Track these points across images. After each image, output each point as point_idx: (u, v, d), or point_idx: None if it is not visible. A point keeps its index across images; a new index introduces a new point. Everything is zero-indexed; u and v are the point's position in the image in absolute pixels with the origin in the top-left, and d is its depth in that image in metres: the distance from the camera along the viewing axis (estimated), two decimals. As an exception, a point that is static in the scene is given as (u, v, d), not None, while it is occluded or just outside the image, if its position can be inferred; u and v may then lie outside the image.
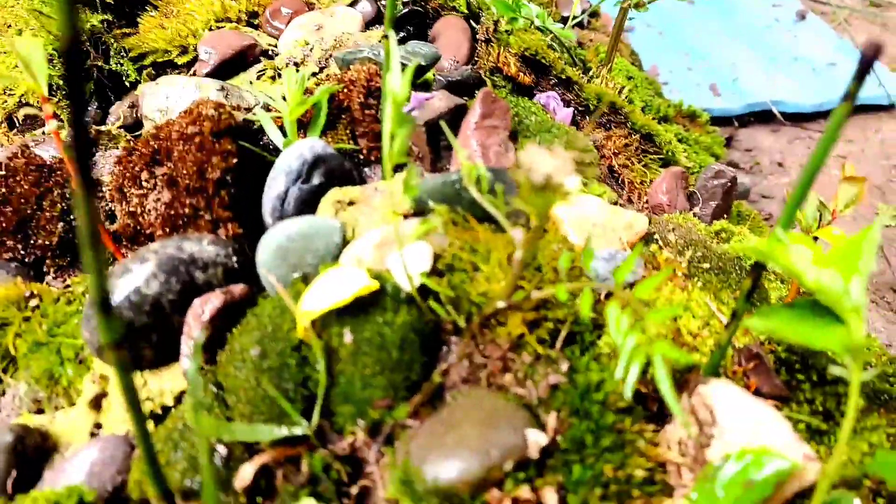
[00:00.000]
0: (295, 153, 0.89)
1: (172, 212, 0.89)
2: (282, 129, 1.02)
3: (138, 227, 0.95)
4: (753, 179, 1.94)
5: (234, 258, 0.83)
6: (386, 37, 0.85)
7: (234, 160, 0.89)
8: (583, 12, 1.68)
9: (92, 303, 0.39)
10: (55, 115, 1.24)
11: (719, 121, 2.20)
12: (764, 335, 0.76)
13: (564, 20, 1.72)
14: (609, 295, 0.85)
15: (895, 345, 1.46)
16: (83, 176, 0.31)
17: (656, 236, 0.97)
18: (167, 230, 0.89)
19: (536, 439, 0.60)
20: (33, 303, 0.90)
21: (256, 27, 1.39)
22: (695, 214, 1.12)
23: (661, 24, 2.71)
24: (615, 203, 1.05)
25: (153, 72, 1.34)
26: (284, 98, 0.99)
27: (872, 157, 2.09)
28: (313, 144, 0.90)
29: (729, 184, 1.14)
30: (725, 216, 1.19)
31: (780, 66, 2.48)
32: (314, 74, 1.20)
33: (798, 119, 2.29)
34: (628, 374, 0.52)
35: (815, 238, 0.88)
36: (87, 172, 0.31)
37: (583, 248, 0.76)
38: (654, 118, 1.47)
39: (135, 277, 0.76)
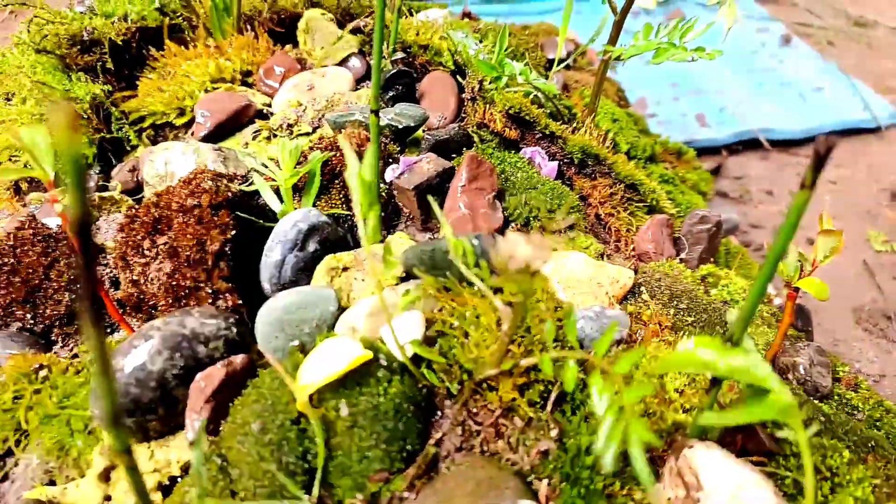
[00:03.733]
0: (290, 223, 0.93)
1: (174, 282, 0.93)
2: (277, 191, 1.06)
3: (141, 296, 0.99)
4: (743, 209, 1.97)
5: (235, 329, 0.86)
6: (374, 112, 0.89)
7: (233, 232, 0.93)
8: (568, 55, 1.73)
9: (102, 417, 0.42)
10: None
11: (708, 150, 2.24)
12: (721, 426, 0.77)
13: (550, 62, 1.77)
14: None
15: (889, 374, 1.48)
16: (99, 350, 0.34)
17: (642, 288, 1.00)
18: (170, 300, 0.93)
19: (527, 509, 0.63)
20: (43, 374, 0.93)
21: (250, 85, 1.44)
22: (681, 260, 1.15)
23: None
24: (602, 253, 1.09)
25: (152, 132, 1.39)
26: (278, 162, 1.03)
27: (861, 182, 2.12)
28: (307, 214, 0.94)
29: (714, 228, 1.18)
30: (712, 259, 1.22)
31: (767, 93, 2.53)
32: (307, 135, 1.24)
33: (786, 145, 2.33)
34: (607, 452, 0.55)
35: (797, 289, 0.91)
36: (104, 353, 0.34)
37: (565, 319, 0.79)
38: (641, 158, 1.50)
39: (140, 354, 0.79)
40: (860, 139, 2.37)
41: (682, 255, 1.16)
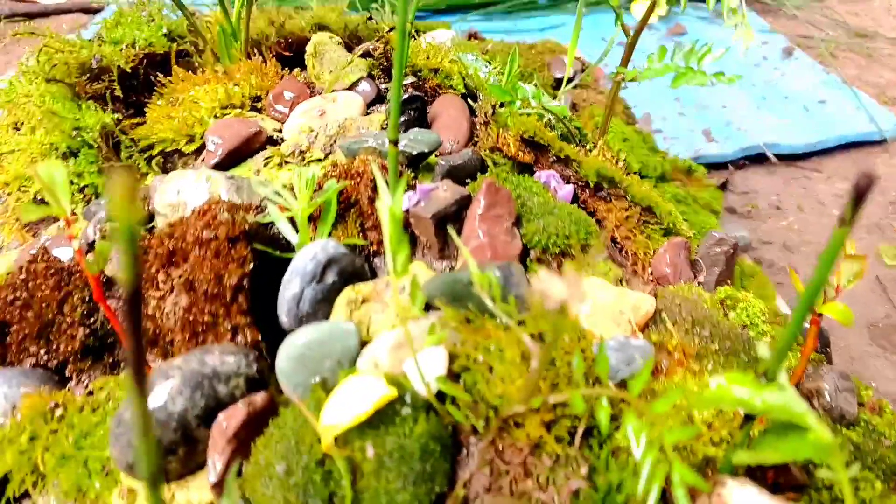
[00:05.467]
0: (308, 255, 0.92)
1: (191, 317, 0.91)
2: (293, 221, 1.05)
3: (157, 331, 0.97)
4: (752, 224, 1.96)
5: (255, 366, 0.85)
6: (392, 142, 0.89)
7: (251, 266, 0.92)
8: (575, 74, 1.73)
9: (142, 478, 0.41)
10: (73, 213, 1.28)
11: (714, 165, 2.24)
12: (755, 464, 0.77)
13: (557, 82, 1.77)
14: (623, 383, 0.87)
15: (907, 392, 1.47)
16: (143, 422, 0.33)
17: (664, 314, 0.99)
18: (187, 336, 0.92)
19: (562, 554, 0.62)
20: (58, 413, 0.92)
21: (260, 110, 1.43)
22: (699, 283, 1.14)
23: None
24: (621, 279, 1.08)
25: (161, 160, 1.38)
26: (293, 189, 1.02)
27: (869, 195, 2.10)
28: (325, 246, 0.93)
29: (731, 250, 1.17)
30: (728, 281, 1.21)
31: (771, 106, 2.53)
32: (319, 161, 1.23)
33: (792, 158, 2.33)
34: (650, 498, 0.54)
35: (820, 315, 0.90)
36: (147, 420, 0.33)
37: (595, 355, 0.78)
38: (652, 177, 1.50)
39: (160, 395, 0.78)
40: (865, 152, 2.37)
41: (700, 278, 1.15)
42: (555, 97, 1.66)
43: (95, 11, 3.10)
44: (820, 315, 0.93)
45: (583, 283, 0.58)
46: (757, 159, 2.31)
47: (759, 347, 0.76)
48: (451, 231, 0.87)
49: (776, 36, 3.07)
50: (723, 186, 2.14)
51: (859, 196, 0.56)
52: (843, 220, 0.58)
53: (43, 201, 1.29)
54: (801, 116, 2.48)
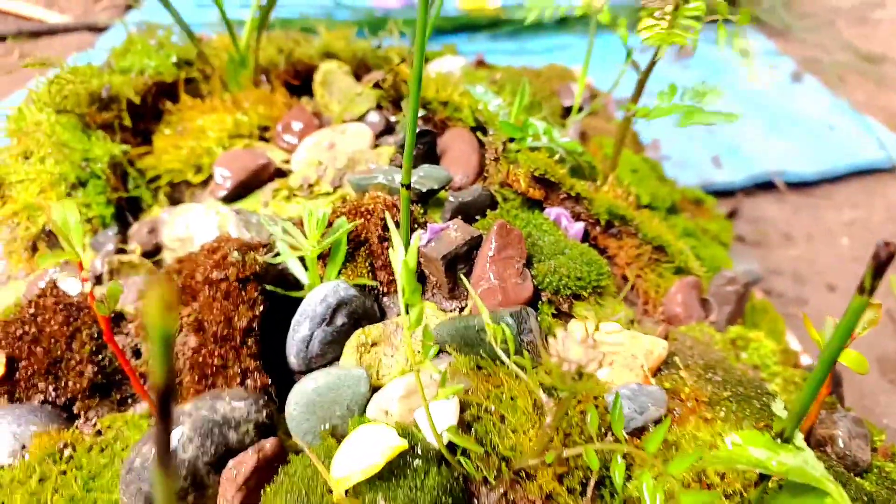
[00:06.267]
0: (318, 298, 0.92)
1: (201, 359, 0.91)
2: (302, 259, 1.05)
3: (166, 369, 0.97)
4: (761, 253, 1.95)
5: (265, 411, 0.84)
6: (405, 186, 0.88)
7: (261, 308, 0.91)
8: (584, 103, 1.73)
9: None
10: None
11: (723, 192, 2.23)
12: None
13: (566, 110, 1.77)
14: (636, 431, 0.86)
15: (918, 430, 1.45)
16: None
17: (676, 358, 0.98)
18: (196, 377, 0.91)
19: None
20: (67, 453, 0.92)
21: (268, 140, 1.43)
22: (711, 322, 1.13)
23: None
24: (632, 320, 1.07)
25: (169, 189, 1.38)
26: (302, 225, 1.02)
27: (879, 223, 2.11)
28: (336, 288, 0.92)
29: (742, 290, 1.16)
30: (740, 319, 1.20)
31: (781, 132, 2.52)
32: (328, 195, 1.23)
33: (801, 186, 2.32)
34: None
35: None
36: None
37: (608, 404, 0.77)
38: (661, 209, 1.49)
39: (170, 442, 0.77)
40: (876, 179, 2.36)
41: (712, 317, 1.14)
42: (563, 125, 1.66)
43: (101, 30, 3.11)
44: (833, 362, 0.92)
45: (601, 346, 0.57)
46: (766, 186, 2.30)
47: (775, 405, 0.75)
48: (463, 277, 0.87)
49: (785, 60, 3.07)
50: (732, 215, 2.13)
51: (880, 267, 0.55)
52: (863, 288, 0.57)
53: (51, 232, 1.29)
54: (810, 143, 2.48)
